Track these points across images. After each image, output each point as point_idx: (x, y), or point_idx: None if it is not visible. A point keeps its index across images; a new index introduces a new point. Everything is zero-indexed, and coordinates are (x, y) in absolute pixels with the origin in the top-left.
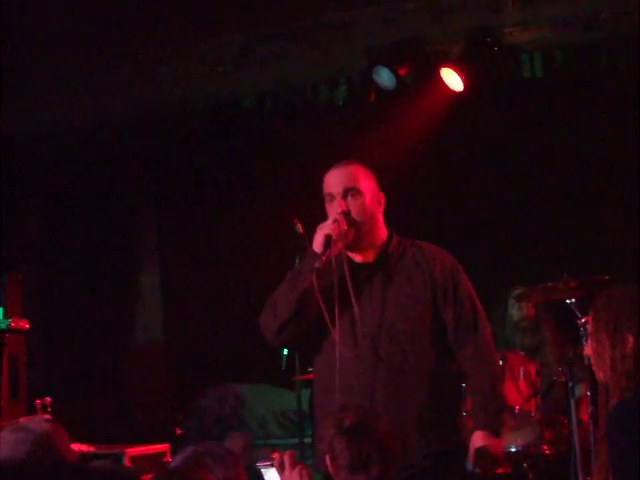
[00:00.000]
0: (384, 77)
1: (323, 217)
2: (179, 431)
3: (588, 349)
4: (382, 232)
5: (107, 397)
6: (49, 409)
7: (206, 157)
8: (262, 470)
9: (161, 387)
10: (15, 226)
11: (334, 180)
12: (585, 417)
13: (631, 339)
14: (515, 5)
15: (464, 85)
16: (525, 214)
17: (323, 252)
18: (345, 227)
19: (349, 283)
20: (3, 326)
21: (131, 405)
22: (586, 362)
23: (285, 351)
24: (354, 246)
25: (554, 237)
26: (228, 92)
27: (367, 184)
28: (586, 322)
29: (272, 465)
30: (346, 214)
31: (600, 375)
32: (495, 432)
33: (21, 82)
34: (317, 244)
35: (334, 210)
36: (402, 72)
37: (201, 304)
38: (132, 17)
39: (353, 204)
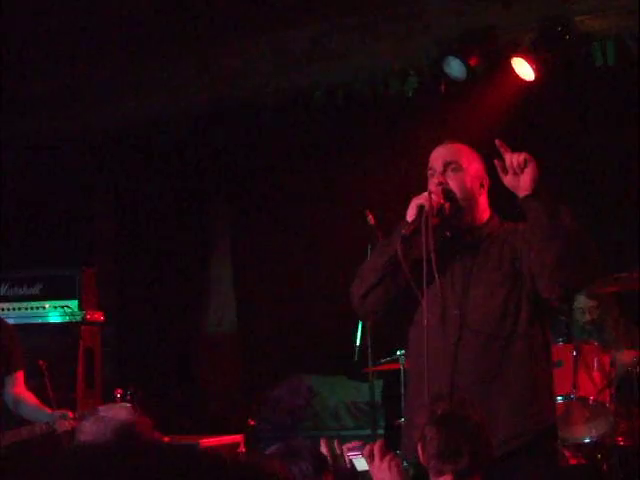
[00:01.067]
0: (455, 68)
1: (395, 208)
2: (252, 422)
3: None
4: (484, 214)
5: (181, 388)
6: (129, 398)
7: (278, 150)
8: (353, 460)
9: (234, 378)
10: (89, 221)
11: (437, 155)
12: None
13: None
14: None
15: (535, 74)
16: (595, 203)
17: (413, 221)
18: (440, 199)
19: (433, 256)
20: (79, 318)
21: (205, 396)
22: None
23: (357, 342)
24: (453, 223)
25: (627, 227)
26: (299, 85)
27: (470, 162)
28: None
29: (362, 455)
30: (443, 187)
31: None
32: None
33: (98, 80)
34: (409, 214)
35: (433, 183)
36: (473, 62)
37: (274, 295)
38: (203, 10)
39: (452, 178)
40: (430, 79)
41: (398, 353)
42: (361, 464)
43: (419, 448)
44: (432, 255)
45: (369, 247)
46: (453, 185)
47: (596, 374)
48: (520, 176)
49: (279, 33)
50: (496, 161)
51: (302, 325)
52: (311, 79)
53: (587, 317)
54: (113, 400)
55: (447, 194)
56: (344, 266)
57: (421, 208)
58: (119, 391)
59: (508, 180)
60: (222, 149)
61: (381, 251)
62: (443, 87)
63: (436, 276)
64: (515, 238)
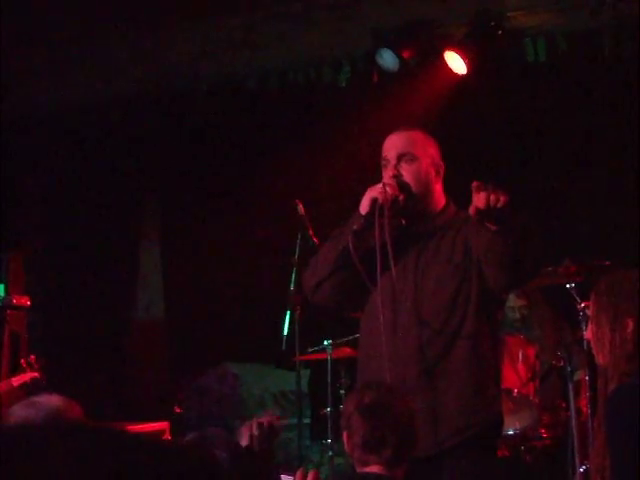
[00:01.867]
0: (387, 59)
1: (325, 198)
2: (178, 410)
3: (588, 333)
4: (439, 202)
5: (107, 375)
6: (35, 366)
7: (209, 137)
8: None
9: (161, 366)
10: (17, 205)
11: (390, 145)
12: (582, 402)
13: (631, 323)
14: None
15: (467, 68)
16: (526, 198)
17: (366, 215)
18: (394, 192)
19: (390, 249)
20: (4, 303)
21: (131, 383)
22: (585, 346)
23: (285, 331)
24: (407, 213)
25: (555, 222)
26: (232, 72)
27: (425, 151)
28: (586, 307)
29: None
30: (397, 179)
31: (599, 359)
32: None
33: (25, 65)
34: (363, 206)
35: (387, 174)
36: (406, 54)
37: (202, 283)
38: None
39: (407, 169)
40: (363, 70)
41: (325, 343)
42: None
43: (344, 437)
44: (387, 247)
45: (299, 237)
46: (407, 176)
47: (521, 367)
48: (493, 213)
49: (212, 19)
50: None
51: (230, 313)
52: (244, 66)
53: (517, 315)
54: (22, 369)
55: (401, 186)
56: (273, 255)
57: (374, 201)
58: (23, 360)
59: (478, 213)
60: (153, 136)
61: (333, 243)
62: (376, 78)
63: (392, 268)
64: (469, 228)
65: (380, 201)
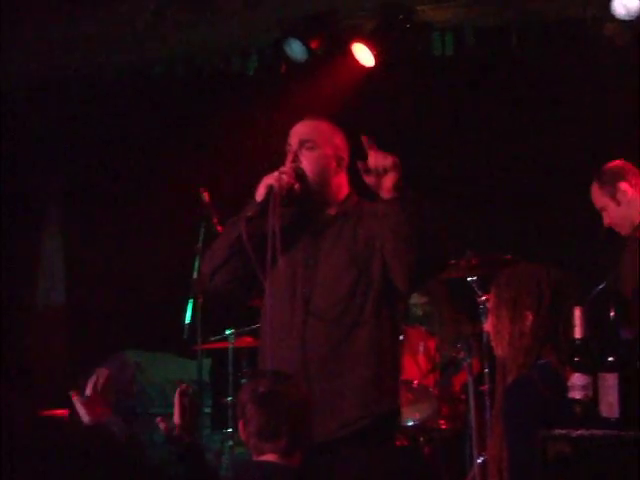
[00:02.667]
0: (295, 49)
1: (230, 187)
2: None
3: (488, 325)
4: (340, 193)
5: (6, 362)
6: None
7: (114, 123)
8: None
9: (61, 352)
10: None
11: (294, 132)
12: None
13: (530, 316)
14: None
15: (375, 61)
16: (427, 192)
17: (261, 202)
18: (289, 180)
19: (278, 237)
20: None
21: (30, 370)
22: (485, 339)
23: (188, 320)
24: (303, 201)
25: (456, 215)
26: (138, 59)
27: (328, 139)
28: (486, 300)
29: None
30: (295, 167)
31: (498, 351)
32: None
33: None
34: (259, 193)
35: (287, 162)
36: (313, 45)
37: (104, 269)
38: None
39: (306, 157)
40: (271, 59)
41: (227, 332)
42: None
43: (240, 425)
44: (277, 236)
45: (202, 225)
46: (306, 164)
47: (421, 358)
48: (383, 177)
49: (119, 5)
50: (359, 163)
51: (132, 301)
52: (151, 53)
53: (419, 312)
54: None
55: (298, 174)
56: (177, 243)
57: (270, 188)
58: None
59: (370, 179)
60: (56, 121)
61: (228, 230)
62: (284, 67)
63: (278, 257)
64: (372, 220)
65: (276, 188)
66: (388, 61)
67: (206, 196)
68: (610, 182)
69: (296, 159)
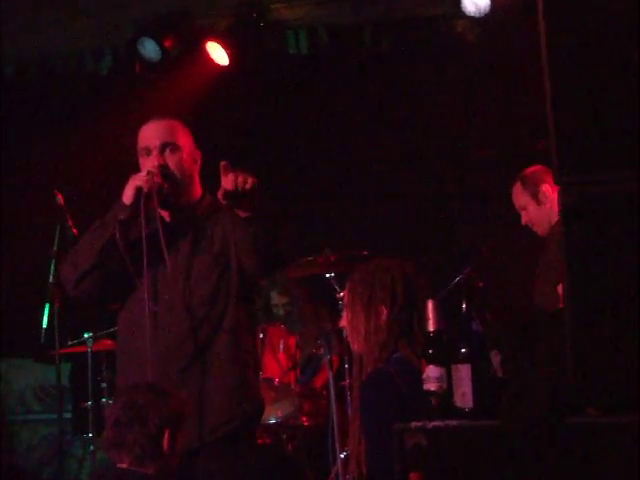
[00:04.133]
0: (149, 49)
1: (85, 189)
2: None
3: (343, 321)
4: (197, 191)
5: None
6: None
7: None
8: None
9: None
10: None
11: (151, 133)
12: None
13: (385, 311)
14: None
15: (229, 59)
16: (287, 190)
17: (131, 204)
18: (159, 180)
19: (162, 240)
20: None
21: None
22: (344, 335)
23: (44, 324)
24: (169, 203)
25: (314, 212)
26: None
27: (185, 140)
28: (344, 296)
29: None
30: (162, 167)
31: (355, 346)
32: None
33: None
34: (126, 195)
35: (150, 163)
36: (167, 44)
37: None
38: None
39: (171, 159)
40: (125, 58)
41: (86, 335)
42: None
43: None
44: (155, 237)
45: (57, 228)
46: (173, 166)
47: (282, 356)
48: (241, 198)
49: None
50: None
51: None
52: (1, 52)
53: (281, 312)
54: None
55: (165, 175)
56: (31, 246)
57: (139, 190)
58: None
59: (227, 200)
60: None
61: (96, 234)
62: (138, 67)
63: (145, 260)
64: (226, 217)
65: (145, 190)
66: (243, 60)
67: (60, 198)
68: (533, 183)
69: (163, 160)
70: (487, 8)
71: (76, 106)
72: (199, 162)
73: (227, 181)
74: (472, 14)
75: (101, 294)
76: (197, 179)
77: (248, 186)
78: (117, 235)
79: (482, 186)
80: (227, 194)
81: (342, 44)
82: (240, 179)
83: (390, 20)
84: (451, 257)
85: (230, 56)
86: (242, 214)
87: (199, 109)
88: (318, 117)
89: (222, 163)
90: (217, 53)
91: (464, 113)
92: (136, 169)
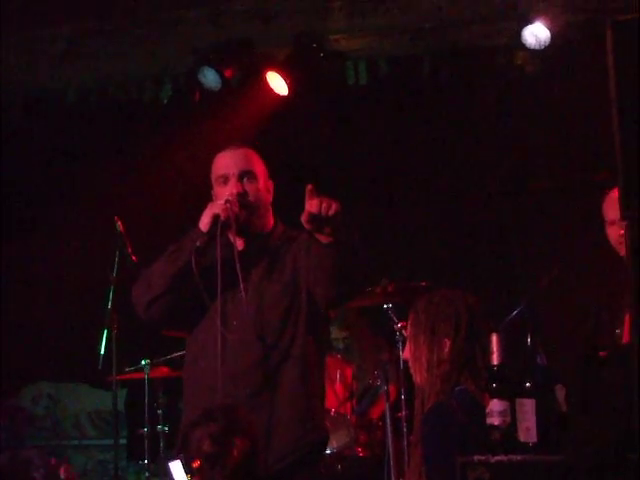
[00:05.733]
0: (209, 77)
1: (144, 216)
2: None
3: (406, 353)
4: (270, 220)
5: None
6: None
7: (27, 150)
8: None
9: None
10: None
11: (229, 161)
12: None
13: (448, 343)
14: (342, 13)
15: (289, 89)
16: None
17: (208, 231)
18: (237, 209)
19: (238, 267)
20: None
21: None
22: (402, 366)
23: (102, 350)
24: (245, 231)
25: (372, 242)
26: (52, 86)
27: (261, 169)
28: (402, 327)
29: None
30: (241, 196)
31: (417, 378)
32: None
33: None
34: (203, 223)
35: (228, 191)
36: (228, 73)
37: (17, 300)
38: None
39: (249, 187)
40: (185, 87)
41: (143, 362)
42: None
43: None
44: (230, 265)
45: (117, 255)
46: (250, 194)
47: (338, 386)
48: (324, 224)
49: (34, 31)
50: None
51: (46, 331)
52: (64, 80)
53: (340, 346)
54: None
55: (243, 204)
56: (91, 272)
57: (217, 217)
58: None
59: (310, 225)
60: None
61: (171, 259)
62: (198, 96)
63: (218, 287)
64: (297, 247)
65: (222, 218)
66: (302, 90)
67: (120, 225)
68: None
69: (242, 189)
70: (547, 40)
71: (137, 134)
72: (272, 191)
73: (312, 205)
74: (532, 46)
75: (171, 319)
76: (270, 209)
77: (332, 212)
78: (192, 261)
79: (540, 218)
80: (311, 218)
81: (401, 75)
82: (325, 204)
83: (449, 51)
84: (510, 288)
85: (289, 86)
86: (324, 239)
87: (259, 139)
88: (376, 148)
89: (308, 187)
90: (277, 83)
91: (522, 144)
92: (195, 196)
